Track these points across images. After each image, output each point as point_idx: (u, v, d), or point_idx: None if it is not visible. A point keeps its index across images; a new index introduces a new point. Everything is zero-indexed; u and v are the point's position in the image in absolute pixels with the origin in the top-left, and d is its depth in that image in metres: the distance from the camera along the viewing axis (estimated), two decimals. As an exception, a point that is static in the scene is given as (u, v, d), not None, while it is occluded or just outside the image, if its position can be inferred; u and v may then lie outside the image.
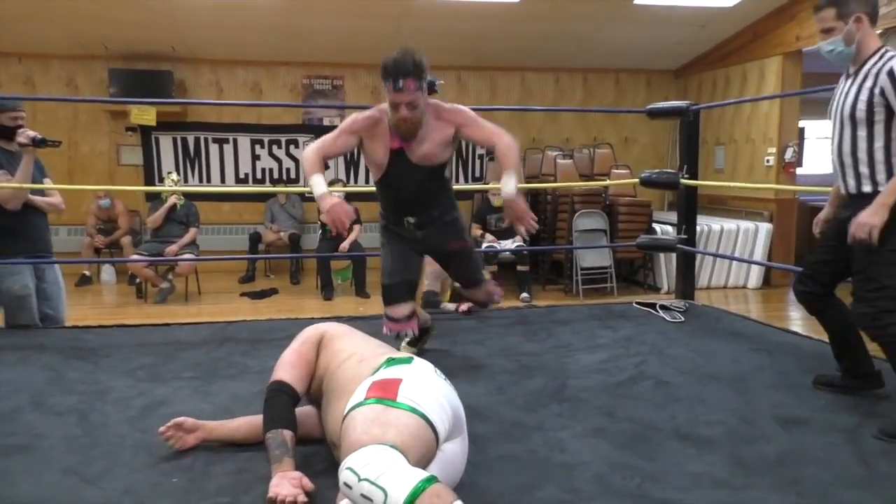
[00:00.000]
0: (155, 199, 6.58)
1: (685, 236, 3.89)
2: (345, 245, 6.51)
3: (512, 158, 2.59)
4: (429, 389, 1.64)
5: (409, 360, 1.77)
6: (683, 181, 3.71)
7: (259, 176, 7.81)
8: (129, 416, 2.29)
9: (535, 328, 3.47)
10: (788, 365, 2.89)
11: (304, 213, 7.60)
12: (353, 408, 1.60)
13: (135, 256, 6.11)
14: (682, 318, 3.66)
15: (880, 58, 2.25)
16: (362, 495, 1.36)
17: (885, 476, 1.86)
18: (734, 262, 7.05)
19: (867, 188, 2.28)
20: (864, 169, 2.28)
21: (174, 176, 6.39)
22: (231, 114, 7.66)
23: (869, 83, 2.24)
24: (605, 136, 8.38)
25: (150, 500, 1.74)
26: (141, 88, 6.86)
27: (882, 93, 2.19)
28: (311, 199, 7.91)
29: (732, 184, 6.92)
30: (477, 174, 8.26)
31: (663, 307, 3.80)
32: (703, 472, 1.88)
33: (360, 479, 1.37)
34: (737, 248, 6.98)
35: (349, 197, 6.84)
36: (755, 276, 7.08)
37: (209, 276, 6.80)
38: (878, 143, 2.24)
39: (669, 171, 3.76)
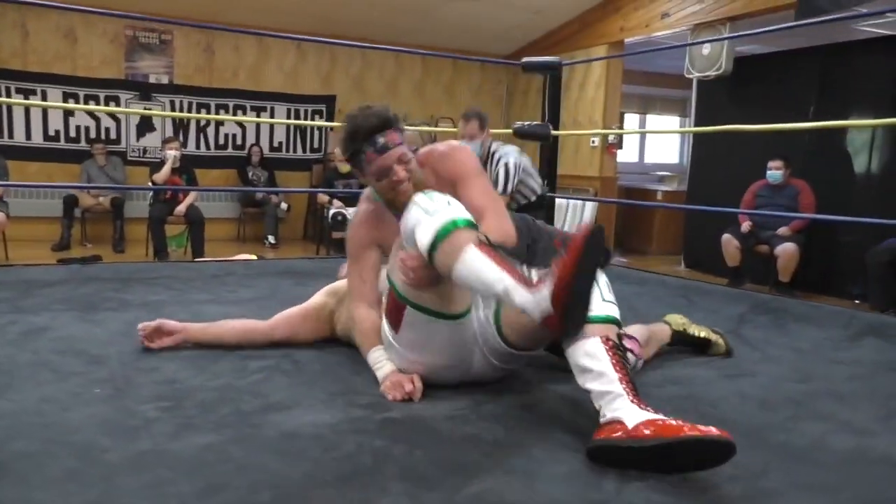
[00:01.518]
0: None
1: (548, 187, 4.14)
2: (181, 208, 6.10)
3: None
4: None
5: None
6: (553, 132, 3.95)
7: (73, 134, 7.05)
8: (10, 340, 2.01)
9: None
10: (658, 292, 3.24)
11: (128, 176, 6.98)
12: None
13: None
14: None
15: (494, 154, 3.84)
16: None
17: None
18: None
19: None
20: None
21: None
22: (40, 62, 6.82)
23: (493, 169, 3.80)
24: (443, 115, 8.61)
25: (76, 408, 1.54)
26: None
27: (501, 176, 3.76)
28: (136, 162, 7.28)
29: (594, 131, 7.39)
30: (315, 145, 8.10)
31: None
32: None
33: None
34: (566, 221, 7.51)
35: (183, 159, 6.42)
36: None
37: (18, 245, 6.01)
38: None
39: (539, 123, 3.98)
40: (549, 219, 4.50)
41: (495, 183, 3.77)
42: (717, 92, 6.46)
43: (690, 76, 6.40)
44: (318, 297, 2.10)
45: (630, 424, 1.30)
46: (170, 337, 1.98)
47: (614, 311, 1.49)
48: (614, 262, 6.05)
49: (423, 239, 1.48)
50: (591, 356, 1.41)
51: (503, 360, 1.69)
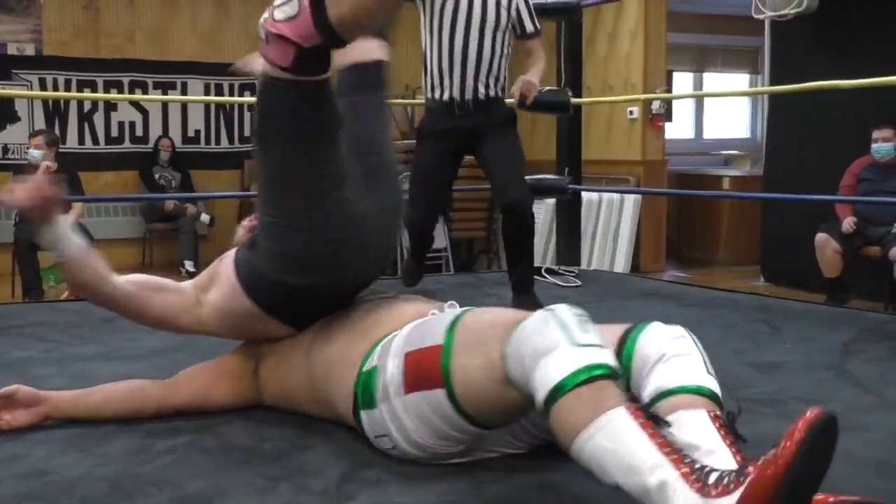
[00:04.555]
0: None
1: (570, 177, 4.16)
2: (61, 228, 6.07)
3: None
4: None
5: None
6: (573, 100, 3.97)
7: None
8: None
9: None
10: (728, 317, 3.24)
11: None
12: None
13: None
14: (579, 283, 3.90)
15: None
16: None
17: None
18: (596, 243, 7.57)
19: (494, 93, 3.49)
20: (495, 74, 3.47)
21: None
22: None
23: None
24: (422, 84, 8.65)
25: None
26: None
27: (517, 9, 3.47)
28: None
29: (631, 97, 7.39)
30: (247, 133, 8.12)
31: (550, 271, 4.02)
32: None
33: None
34: (599, 224, 7.52)
35: (62, 159, 6.40)
36: (622, 259, 7.67)
37: None
38: (506, 52, 3.51)
39: (553, 88, 4.00)
40: (575, 219, 4.53)
41: (509, 18, 3.49)
42: (799, 37, 6.48)
43: (761, 17, 6.44)
44: (241, 348, 2.12)
45: None
46: (26, 411, 1.94)
47: (717, 387, 1.55)
48: (668, 279, 6.08)
49: (553, 372, 1.38)
50: (694, 430, 1.45)
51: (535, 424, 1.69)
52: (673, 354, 1.56)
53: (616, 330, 1.64)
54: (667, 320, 1.67)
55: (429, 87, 3.56)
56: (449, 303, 1.88)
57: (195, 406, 2.03)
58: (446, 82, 3.47)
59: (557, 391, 1.36)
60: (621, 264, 7.67)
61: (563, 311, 1.47)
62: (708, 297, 3.74)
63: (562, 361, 1.38)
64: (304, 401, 1.97)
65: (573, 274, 4.03)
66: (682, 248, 8.47)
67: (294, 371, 1.97)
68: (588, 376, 1.35)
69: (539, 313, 1.48)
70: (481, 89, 3.45)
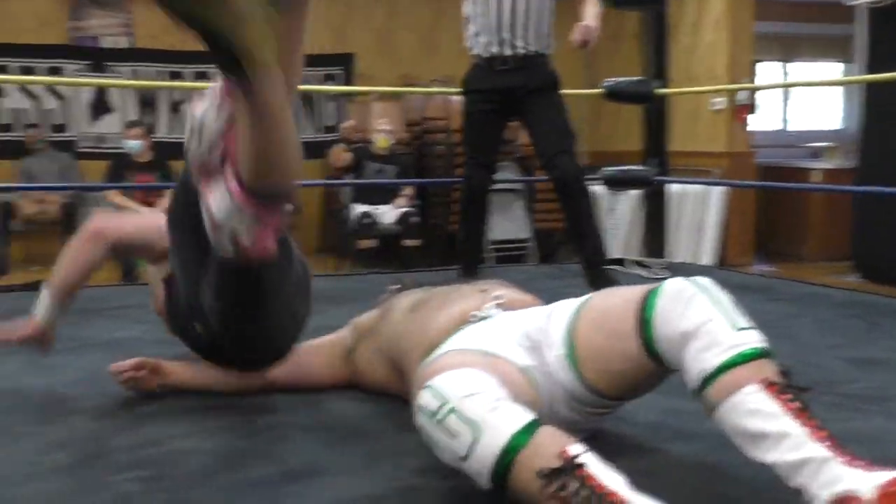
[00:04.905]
0: None
1: (657, 168, 4.14)
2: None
3: None
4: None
5: None
6: (658, 91, 3.96)
7: (5, 120, 7.30)
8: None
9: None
10: (821, 312, 3.19)
11: (83, 175, 7.19)
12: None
13: None
14: (667, 275, 3.86)
15: None
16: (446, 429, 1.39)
17: None
18: (682, 235, 7.48)
19: (535, 48, 3.36)
20: (534, 30, 3.33)
21: None
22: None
23: None
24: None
25: (29, 482, 1.59)
26: None
27: None
28: (90, 154, 7.48)
29: (717, 87, 7.31)
30: (329, 122, 8.22)
31: (638, 263, 4.00)
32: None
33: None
34: (686, 217, 7.43)
35: (156, 150, 6.56)
36: (708, 252, 7.57)
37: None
38: (547, 3, 3.36)
39: (637, 79, 4.00)
40: (661, 211, 4.50)
41: None
42: (896, 24, 6.32)
43: (854, 3, 6.28)
44: (340, 331, 2.21)
45: (868, 495, 1.23)
46: (154, 377, 2.06)
47: (759, 340, 1.43)
48: (755, 271, 5.97)
49: (480, 478, 1.37)
50: (756, 414, 1.35)
51: (595, 406, 1.68)
52: (693, 329, 1.43)
53: (629, 306, 1.54)
54: (757, 315, 1.55)
55: (469, 43, 3.47)
56: (494, 296, 1.87)
57: (298, 382, 2.10)
58: (483, 37, 3.36)
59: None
60: (708, 257, 7.58)
61: (431, 399, 1.42)
62: (800, 291, 3.70)
63: (482, 467, 1.35)
64: (394, 386, 1.99)
65: (662, 266, 4.02)
66: (769, 243, 8.31)
67: (382, 356, 2.02)
68: (505, 468, 1.32)
69: (422, 410, 1.43)
70: (519, 44, 3.32)
